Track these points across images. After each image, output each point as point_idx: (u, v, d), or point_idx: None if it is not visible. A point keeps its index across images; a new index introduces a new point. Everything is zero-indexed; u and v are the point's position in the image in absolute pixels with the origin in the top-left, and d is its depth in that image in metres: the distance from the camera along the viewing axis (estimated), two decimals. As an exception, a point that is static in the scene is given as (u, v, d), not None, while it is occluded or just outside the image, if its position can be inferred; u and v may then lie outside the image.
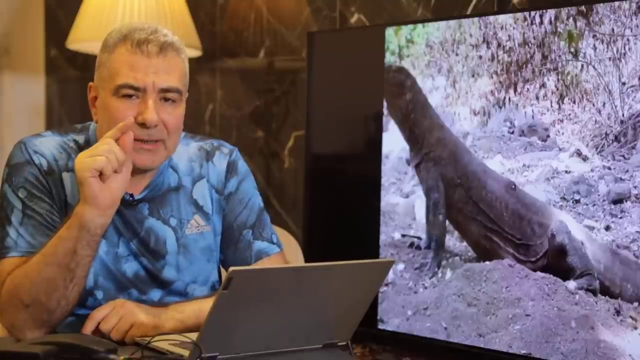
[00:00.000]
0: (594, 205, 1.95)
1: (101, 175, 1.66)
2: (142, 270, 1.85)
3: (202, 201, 1.91)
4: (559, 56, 2.01)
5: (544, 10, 2.04)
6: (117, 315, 1.72)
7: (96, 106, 1.81)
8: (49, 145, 1.83)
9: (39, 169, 1.80)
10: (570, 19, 1.99)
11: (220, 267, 2.00)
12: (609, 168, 1.93)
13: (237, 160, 1.97)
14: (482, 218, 2.14)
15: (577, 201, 1.98)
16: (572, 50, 1.99)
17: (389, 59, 2.32)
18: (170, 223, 1.87)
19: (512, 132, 2.10)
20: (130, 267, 1.84)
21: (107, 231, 1.79)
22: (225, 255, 1.95)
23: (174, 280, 1.88)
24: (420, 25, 2.27)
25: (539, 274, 2.04)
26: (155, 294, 1.87)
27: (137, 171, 1.79)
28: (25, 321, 1.72)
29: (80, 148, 1.82)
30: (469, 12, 2.50)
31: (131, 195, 1.83)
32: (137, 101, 1.75)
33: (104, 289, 1.82)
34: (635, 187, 1.89)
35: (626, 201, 1.90)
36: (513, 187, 2.09)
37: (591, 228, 1.96)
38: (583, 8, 1.96)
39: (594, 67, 1.95)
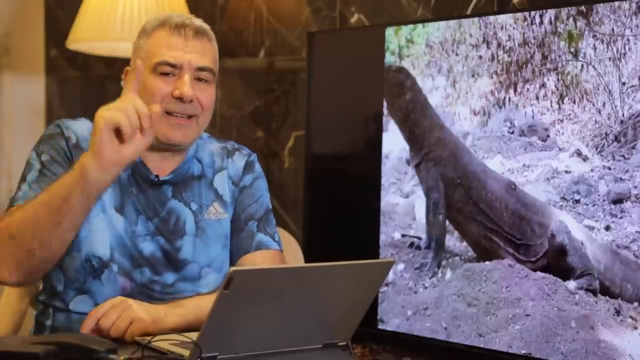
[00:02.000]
0: (594, 205, 1.95)
1: (120, 134, 1.68)
2: (159, 250, 1.89)
3: (221, 190, 1.99)
4: (559, 56, 2.01)
5: (544, 10, 2.04)
6: (117, 312, 1.72)
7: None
8: (82, 127, 1.92)
9: (66, 140, 1.88)
10: (570, 19, 1.99)
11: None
12: (609, 168, 1.93)
13: (254, 161, 2.06)
14: (482, 218, 2.14)
15: (577, 201, 1.98)
16: (572, 50, 1.99)
17: (389, 59, 2.32)
18: (191, 207, 1.94)
19: (512, 132, 2.10)
20: (148, 247, 1.88)
21: (127, 209, 1.87)
22: (231, 244, 2.00)
23: (190, 262, 1.91)
24: (420, 25, 2.27)
25: (539, 274, 2.04)
26: (169, 277, 1.90)
27: (167, 149, 1.89)
28: (6, 255, 1.75)
29: None
30: (469, 12, 2.50)
31: (157, 176, 1.91)
32: (173, 78, 1.86)
33: (118, 263, 1.86)
34: (635, 187, 1.89)
35: (626, 201, 1.90)
36: (513, 187, 2.09)
37: (591, 228, 1.96)
38: (583, 8, 1.97)
39: (594, 67, 1.95)
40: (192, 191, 1.95)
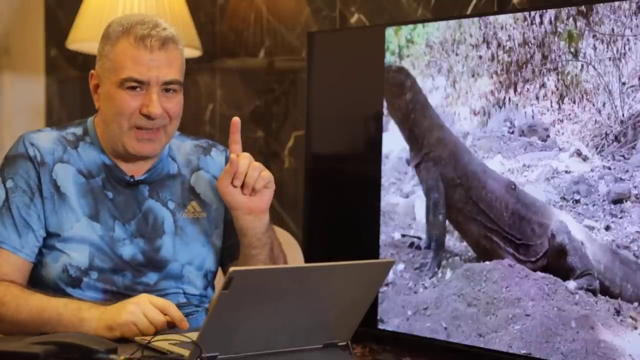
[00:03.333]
0: (594, 205, 1.95)
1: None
2: (139, 252, 1.90)
3: (199, 189, 1.98)
4: (559, 56, 2.01)
5: (544, 10, 2.04)
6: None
7: (99, 93, 1.90)
8: (45, 139, 1.92)
9: (32, 160, 1.88)
10: (570, 19, 1.99)
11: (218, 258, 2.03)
12: (609, 168, 1.93)
13: None
14: (482, 218, 2.14)
15: (577, 201, 1.98)
16: (572, 50, 1.99)
17: (389, 59, 2.32)
18: (168, 206, 1.95)
19: (512, 132, 2.10)
20: (127, 251, 1.89)
21: (102, 215, 1.88)
22: (226, 244, 2.01)
23: (170, 261, 1.92)
24: (420, 25, 2.27)
25: (539, 274, 2.04)
26: (152, 277, 1.91)
27: (139, 158, 1.90)
28: None
29: (78, 139, 1.93)
30: (469, 12, 2.50)
31: (132, 176, 1.92)
32: (141, 92, 1.84)
33: (99, 269, 1.87)
34: (635, 187, 1.89)
35: (626, 201, 1.90)
36: (513, 187, 2.09)
37: (591, 228, 1.96)
38: (583, 8, 1.97)
39: (594, 67, 1.95)
40: (169, 190, 1.95)
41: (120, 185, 1.91)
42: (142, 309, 1.69)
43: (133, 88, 1.83)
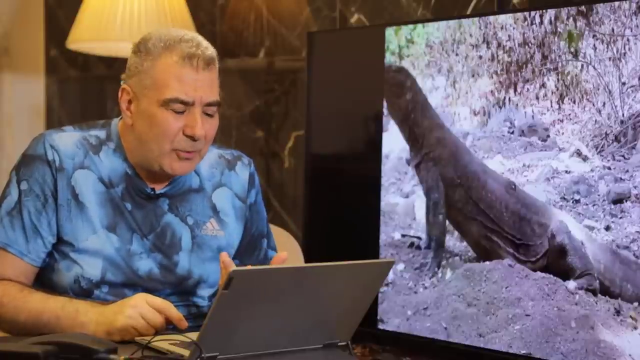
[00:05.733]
0: (594, 205, 1.95)
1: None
2: (157, 267, 1.86)
3: (219, 207, 1.94)
4: (559, 56, 2.01)
5: (544, 10, 2.04)
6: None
7: (132, 110, 1.83)
8: (67, 142, 1.85)
9: (49, 165, 1.83)
10: (570, 19, 1.99)
11: None
12: (609, 168, 1.93)
13: (255, 173, 2.03)
14: (482, 218, 2.14)
15: (577, 201, 1.98)
16: (572, 50, 1.99)
17: (389, 59, 2.32)
18: (187, 221, 1.90)
19: (512, 132, 2.10)
20: (144, 265, 1.85)
21: (120, 228, 1.83)
22: (243, 263, 1.98)
23: (186, 277, 1.89)
24: (420, 25, 2.27)
25: (539, 274, 2.04)
26: (165, 293, 1.87)
27: (168, 175, 1.86)
28: None
29: (101, 143, 1.87)
30: (469, 12, 2.50)
31: (152, 189, 1.87)
32: (183, 114, 1.79)
33: (110, 283, 1.83)
34: (635, 187, 1.89)
35: (626, 201, 1.90)
36: (513, 187, 2.09)
37: (591, 228, 1.96)
38: (583, 8, 1.97)
39: (594, 67, 1.95)
40: (189, 205, 1.91)
41: (139, 197, 1.85)
42: (139, 312, 1.68)
43: (179, 110, 1.78)
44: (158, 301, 1.72)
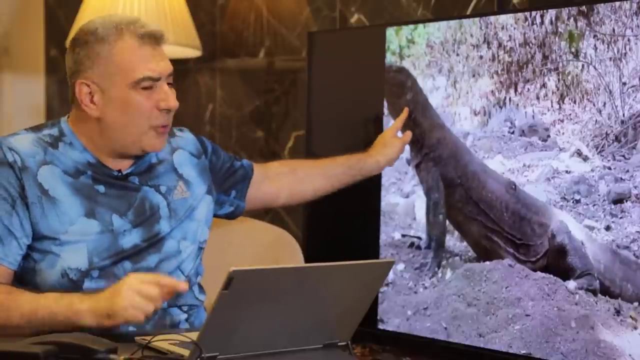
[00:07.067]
0: (594, 205, 1.95)
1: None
2: (140, 239, 1.89)
3: (181, 170, 2.01)
4: (560, 56, 2.01)
5: (545, 10, 2.04)
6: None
7: (96, 102, 1.85)
8: (24, 142, 1.86)
9: (11, 166, 1.83)
10: (571, 19, 1.99)
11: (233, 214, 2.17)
12: (609, 168, 1.93)
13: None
14: (482, 218, 2.14)
15: (578, 201, 1.98)
16: (573, 50, 1.99)
17: (390, 59, 2.32)
18: (160, 190, 1.95)
19: (513, 132, 2.10)
20: (128, 240, 1.88)
21: (98, 211, 1.86)
22: (235, 187, 2.12)
23: (167, 239, 1.92)
24: (420, 26, 2.27)
25: (539, 274, 2.04)
26: (152, 260, 1.90)
27: (132, 157, 1.91)
28: None
29: (57, 139, 1.88)
30: (469, 12, 2.50)
31: (119, 171, 1.91)
32: (151, 90, 1.85)
33: (99, 267, 1.85)
34: (635, 187, 1.89)
35: (626, 201, 1.90)
36: (513, 187, 2.09)
37: (591, 228, 1.96)
38: (584, 8, 1.96)
39: (594, 67, 1.95)
40: (158, 176, 1.96)
41: (109, 179, 1.89)
42: (135, 289, 1.67)
43: (148, 87, 1.83)
44: (149, 275, 1.72)
